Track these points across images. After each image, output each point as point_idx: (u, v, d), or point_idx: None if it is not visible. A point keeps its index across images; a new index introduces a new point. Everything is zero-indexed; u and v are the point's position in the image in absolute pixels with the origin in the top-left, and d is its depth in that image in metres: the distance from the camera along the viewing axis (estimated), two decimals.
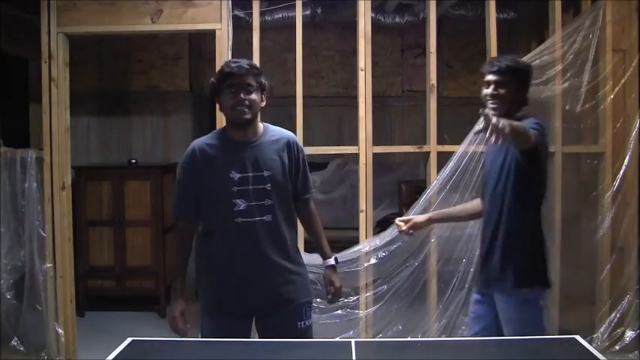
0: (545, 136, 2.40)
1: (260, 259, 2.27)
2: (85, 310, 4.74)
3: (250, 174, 2.25)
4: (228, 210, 2.24)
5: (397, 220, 2.68)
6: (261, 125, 2.36)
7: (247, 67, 2.25)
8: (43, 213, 3.58)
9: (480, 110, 2.18)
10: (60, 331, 3.58)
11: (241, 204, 2.24)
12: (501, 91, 2.39)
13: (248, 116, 2.25)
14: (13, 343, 3.62)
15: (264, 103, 2.33)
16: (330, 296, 2.43)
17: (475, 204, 2.69)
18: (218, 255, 2.30)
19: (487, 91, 2.43)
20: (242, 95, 2.23)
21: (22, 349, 3.62)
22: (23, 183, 3.60)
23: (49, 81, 3.57)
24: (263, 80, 2.32)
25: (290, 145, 2.35)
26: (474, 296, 2.59)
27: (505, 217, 2.39)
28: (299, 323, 2.33)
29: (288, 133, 2.40)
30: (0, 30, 3.91)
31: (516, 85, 2.41)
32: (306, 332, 2.34)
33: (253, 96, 2.25)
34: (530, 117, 2.45)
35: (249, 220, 2.24)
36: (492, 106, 2.41)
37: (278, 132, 2.39)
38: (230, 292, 2.29)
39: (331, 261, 2.46)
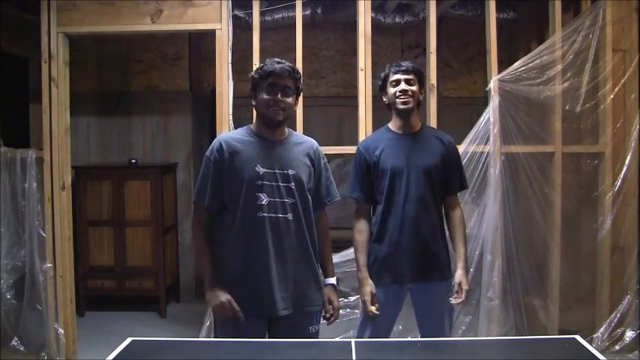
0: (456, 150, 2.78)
1: (280, 257, 2.26)
2: (85, 310, 4.75)
3: (276, 170, 2.28)
4: (251, 203, 2.24)
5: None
6: (285, 128, 2.40)
7: (289, 69, 2.30)
8: (43, 213, 3.58)
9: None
10: (60, 331, 3.58)
11: (264, 198, 2.24)
12: (411, 87, 2.61)
13: (281, 117, 2.29)
14: (13, 343, 3.62)
15: (296, 107, 2.42)
16: (327, 315, 2.40)
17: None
18: (238, 250, 2.27)
19: (397, 88, 2.63)
20: (279, 96, 2.27)
21: (22, 349, 3.62)
22: (23, 183, 3.60)
23: (49, 81, 3.57)
24: (300, 85, 2.38)
25: (313, 151, 2.39)
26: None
27: None
28: (310, 327, 2.34)
29: (311, 139, 2.45)
30: (0, 30, 3.91)
31: (419, 84, 2.66)
32: (315, 337, 2.35)
33: (289, 99, 2.30)
34: (431, 128, 2.81)
35: (270, 215, 2.25)
36: (403, 100, 2.61)
37: (301, 137, 2.46)
38: (247, 290, 2.26)
39: (333, 280, 2.44)
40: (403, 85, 2.61)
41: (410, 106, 2.62)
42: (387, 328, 2.69)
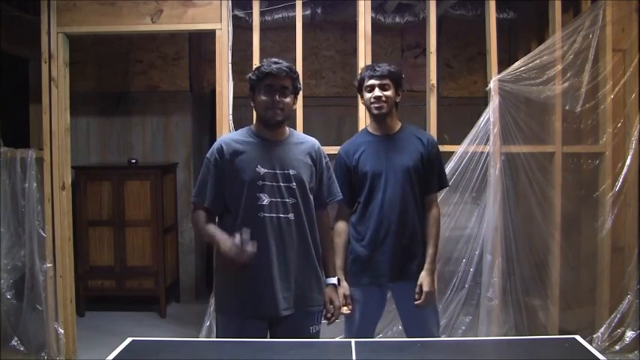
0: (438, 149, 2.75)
1: (281, 257, 2.27)
2: (85, 310, 4.75)
3: (277, 171, 2.28)
4: (252, 204, 2.25)
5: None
6: (286, 128, 2.40)
7: (286, 69, 2.29)
8: (43, 213, 3.58)
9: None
10: (60, 331, 3.58)
11: (265, 199, 2.25)
12: (385, 93, 2.60)
13: (280, 118, 2.30)
14: (13, 343, 3.62)
15: (295, 107, 2.41)
16: (329, 314, 2.42)
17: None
18: None
19: (371, 94, 2.62)
20: (277, 97, 2.27)
21: (22, 349, 3.62)
22: (23, 183, 3.60)
23: (49, 81, 3.57)
24: (298, 85, 2.37)
25: (314, 150, 2.40)
26: None
27: None
28: (311, 328, 2.35)
29: (312, 139, 2.45)
30: (0, 30, 3.91)
31: (395, 88, 2.65)
32: (316, 337, 2.36)
33: (287, 99, 2.31)
34: (412, 127, 2.74)
35: (272, 215, 2.25)
36: (377, 106, 2.62)
37: (302, 136, 2.46)
38: (249, 291, 2.26)
39: (334, 280, 2.46)
40: (377, 92, 2.62)
41: (384, 111, 2.64)
42: (370, 327, 2.72)
